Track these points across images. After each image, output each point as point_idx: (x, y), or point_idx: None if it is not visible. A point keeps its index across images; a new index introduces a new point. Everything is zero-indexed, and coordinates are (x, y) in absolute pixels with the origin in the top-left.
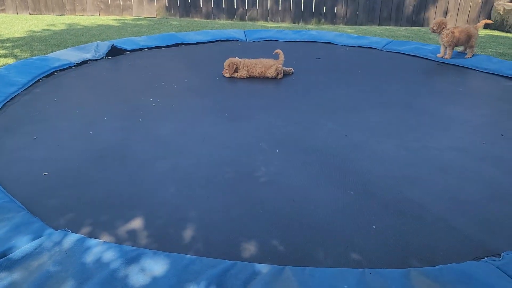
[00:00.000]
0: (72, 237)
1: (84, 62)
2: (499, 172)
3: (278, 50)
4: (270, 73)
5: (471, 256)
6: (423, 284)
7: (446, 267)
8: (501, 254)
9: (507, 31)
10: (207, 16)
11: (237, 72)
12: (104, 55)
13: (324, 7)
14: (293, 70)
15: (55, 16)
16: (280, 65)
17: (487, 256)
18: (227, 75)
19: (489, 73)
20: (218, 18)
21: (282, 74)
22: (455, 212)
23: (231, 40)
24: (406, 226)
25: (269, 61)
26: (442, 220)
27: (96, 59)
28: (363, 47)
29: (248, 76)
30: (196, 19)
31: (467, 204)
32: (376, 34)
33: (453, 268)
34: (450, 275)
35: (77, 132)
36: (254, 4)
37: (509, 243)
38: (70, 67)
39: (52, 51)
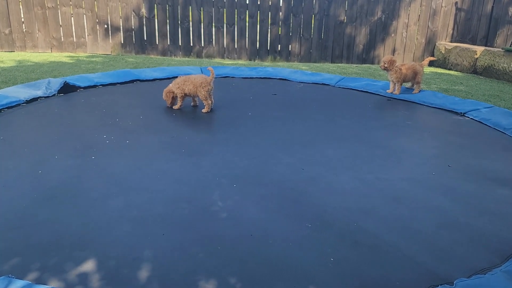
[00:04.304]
0: (18, 284)
1: (35, 99)
2: (448, 200)
3: (210, 68)
4: (202, 93)
5: (425, 284)
6: None
7: None
8: (454, 282)
9: (449, 69)
10: (164, 53)
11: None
12: (56, 92)
13: (279, 45)
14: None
15: (4, 52)
16: (211, 82)
17: (440, 284)
18: (176, 106)
19: (435, 107)
20: (174, 55)
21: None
22: (408, 241)
23: None
24: (363, 257)
25: (197, 77)
26: (397, 249)
27: (48, 96)
28: (317, 83)
29: (182, 94)
30: (152, 56)
31: (419, 233)
32: (329, 71)
33: None
34: None
35: (24, 171)
36: (210, 42)
37: (460, 270)
38: (19, 105)
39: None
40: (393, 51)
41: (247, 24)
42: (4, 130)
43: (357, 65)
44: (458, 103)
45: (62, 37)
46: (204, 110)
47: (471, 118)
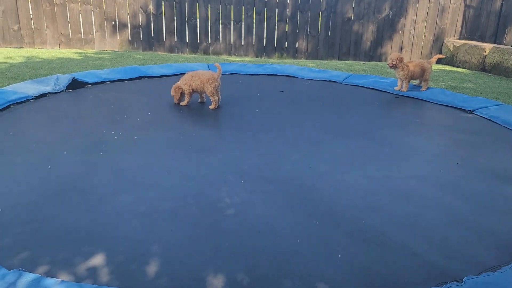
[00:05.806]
0: (28, 277)
1: (43, 95)
2: (456, 198)
3: (217, 64)
4: (208, 89)
5: (434, 282)
6: None
7: None
8: (463, 279)
9: (457, 66)
10: (171, 50)
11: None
12: (65, 88)
13: (286, 42)
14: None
15: (13, 49)
16: (217, 78)
17: (449, 282)
18: (183, 102)
19: (443, 105)
20: (181, 52)
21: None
22: (416, 238)
23: None
24: (371, 254)
25: (204, 73)
26: (405, 247)
27: (56, 92)
28: (324, 80)
29: (190, 91)
30: (159, 52)
31: (428, 230)
32: (336, 68)
33: None
34: None
35: (34, 166)
36: (217, 39)
37: (469, 268)
38: (28, 100)
39: (9, 84)
40: (401, 48)
41: (254, 21)
42: (13, 125)
43: (364, 62)
44: (467, 101)
45: (70, 34)
46: (211, 107)
47: (480, 116)
